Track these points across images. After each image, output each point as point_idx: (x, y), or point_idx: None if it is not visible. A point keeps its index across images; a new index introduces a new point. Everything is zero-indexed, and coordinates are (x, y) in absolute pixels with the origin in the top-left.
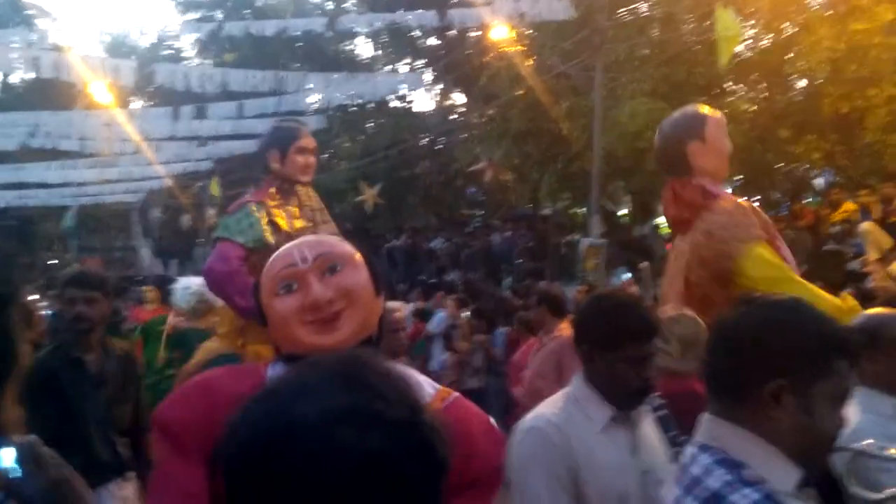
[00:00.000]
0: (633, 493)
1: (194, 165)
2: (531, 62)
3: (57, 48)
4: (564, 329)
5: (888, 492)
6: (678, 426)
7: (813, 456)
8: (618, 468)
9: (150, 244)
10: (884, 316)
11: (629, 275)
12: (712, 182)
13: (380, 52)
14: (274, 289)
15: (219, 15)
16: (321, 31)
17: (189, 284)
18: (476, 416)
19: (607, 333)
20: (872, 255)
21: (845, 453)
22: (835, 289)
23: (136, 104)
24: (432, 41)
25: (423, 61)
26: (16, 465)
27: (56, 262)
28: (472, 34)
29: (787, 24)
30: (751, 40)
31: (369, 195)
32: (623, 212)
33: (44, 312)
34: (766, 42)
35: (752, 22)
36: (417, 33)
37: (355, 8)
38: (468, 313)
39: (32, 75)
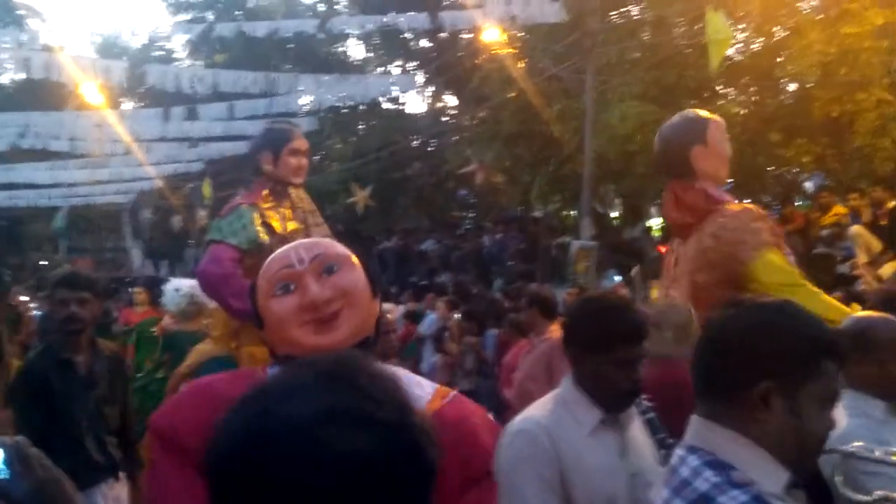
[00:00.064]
0: (622, 496)
1: (185, 166)
2: (522, 65)
3: (48, 49)
4: (555, 331)
5: (877, 494)
6: (670, 417)
7: (801, 458)
8: (606, 471)
9: (141, 245)
10: (872, 319)
11: (619, 278)
12: (713, 186)
13: (371, 53)
14: (271, 290)
15: (210, 16)
16: (312, 33)
17: (180, 286)
18: (477, 413)
19: (596, 336)
20: (862, 258)
21: (834, 456)
22: (825, 292)
23: (127, 105)
24: (424, 43)
25: (414, 63)
26: (3, 467)
27: (46, 263)
28: (464, 36)
29: (778, 27)
30: (741, 44)
31: (360, 197)
32: (614, 214)
33: (34, 313)
34: (756, 46)
35: (743, 25)
36: (409, 35)
37: (346, 10)
38: (459, 315)
39: (23, 76)
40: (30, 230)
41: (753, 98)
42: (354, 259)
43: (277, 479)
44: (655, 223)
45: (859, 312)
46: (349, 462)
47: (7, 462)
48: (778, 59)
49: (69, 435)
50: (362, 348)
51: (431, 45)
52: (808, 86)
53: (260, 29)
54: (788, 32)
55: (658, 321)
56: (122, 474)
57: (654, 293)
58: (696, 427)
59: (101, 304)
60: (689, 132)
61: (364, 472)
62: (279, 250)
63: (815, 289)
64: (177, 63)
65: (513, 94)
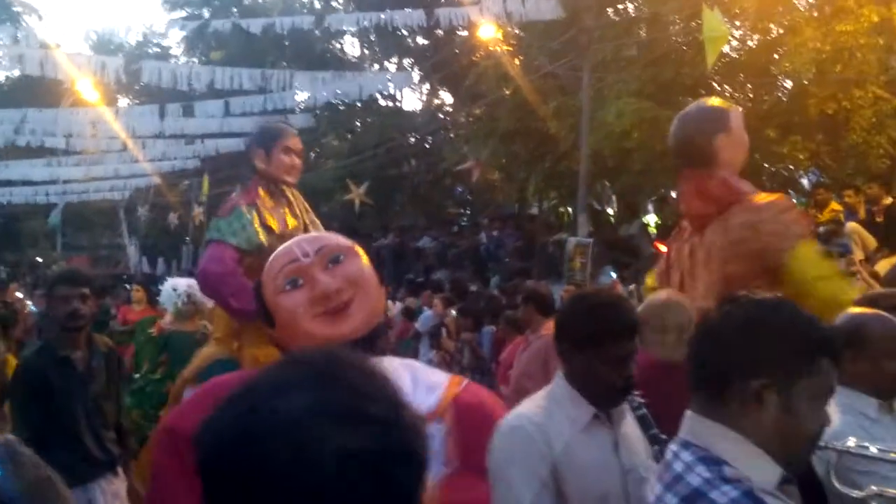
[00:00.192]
0: (615, 493)
1: (181, 163)
2: (518, 62)
3: (43, 45)
4: (551, 328)
5: (871, 490)
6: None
7: (795, 454)
8: (599, 467)
9: (137, 242)
10: (866, 315)
11: (614, 275)
12: (732, 175)
13: (367, 50)
14: (279, 286)
15: (206, 13)
16: (309, 30)
17: (177, 285)
18: (491, 397)
19: (587, 332)
20: (858, 255)
21: (828, 452)
22: None
23: (123, 102)
24: (420, 40)
25: (410, 60)
26: None
27: (41, 259)
28: (460, 33)
29: (774, 25)
30: (737, 41)
31: (357, 194)
32: (611, 211)
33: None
34: (752, 43)
35: (739, 23)
36: (405, 32)
37: (342, 6)
38: (455, 312)
39: (18, 73)
40: (26, 227)
41: (749, 95)
42: (358, 248)
43: (266, 477)
44: (652, 220)
45: (853, 309)
46: (339, 459)
47: None
48: (773, 57)
49: (68, 431)
50: (375, 335)
51: (427, 42)
52: (803, 83)
53: (256, 26)
54: (784, 30)
55: (658, 324)
56: (120, 469)
57: (649, 281)
58: (690, 422)
59: (98, 300)
60: (713, 121)
61: (356, 468)
62: (282, 247)
63: (848, 281)
64: (173, 60)
65: (509, 92)
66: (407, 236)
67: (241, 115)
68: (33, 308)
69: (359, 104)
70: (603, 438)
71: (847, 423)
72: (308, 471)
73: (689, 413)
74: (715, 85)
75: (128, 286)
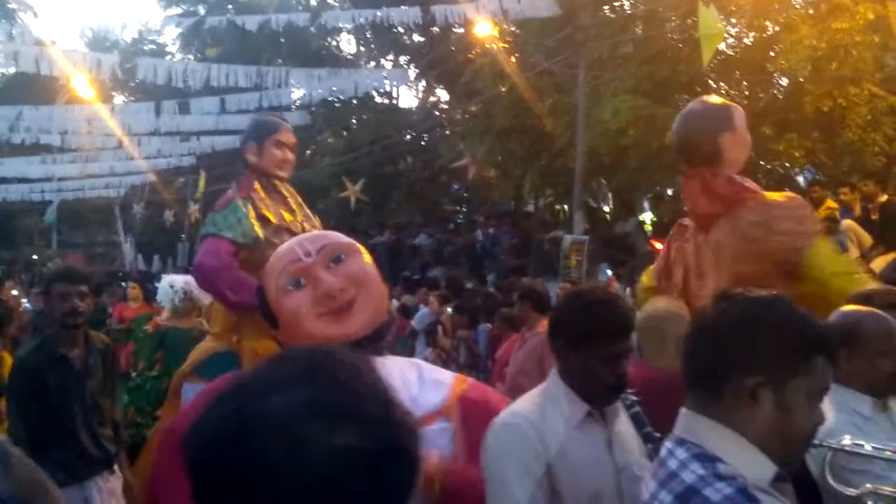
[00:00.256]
0: (608, 491)
1: (177, 161)
2: (514, 59)
3: (39, 43)
4: (547, 325)
5: (865, 487)
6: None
7: (789, 452)
8: (592, 465)
9: (133, 240)
10: (861, 313)
11: (609, 272)
12: (734, 173)
13: (363, 48)
14: (282, 287)
15: (201, 10)
16: (304, 27)
17: (174, 282)
18: (495, 394)
19: (581, 330)
20: (853, 252)
21: (823, 450)
22: None
23: (119, 99)
24: (416, 37)
25: (406, 57)
26: None
27: (37, 257)
28: (456, 31)
29: (769, 22)
30: (733, 39)
31: (352, 191)
32: (606, 208)
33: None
34: (748, 40)
35: (735, 20)
36: (401, 29)
37: (338, 4)
38: (451, 309)
39: (13, 70)
40: (21, 224)
41: (745, 92)
42: (360, 246)
43: (256, 477)
44: (648, 217)
45: (847, 307)
46: (331, 458)
47: None
48: (769, 54)
49: (65, 429)
50: (379, 334)
51: (423, 39)
52: (799, 80)
53: (251, 23)
54: (779, 28)
55: (658, 336)
56: (116, 467)
57: (645, 279)
58: (685, 419)
59: (95, 298)
60: (718, 119)
61: (347, 467)
62: (283, 246)
63: (867, 276)
64: (168, 57)
65: (505, 89)
66: (403, 234)
67: (236, 113)
68: (28, 306)
69: (355, 101)
70: (597, 436)
71: (841, 421)
72: (299, 470)
73: (684, 410)
74: (711, 82)
75: (123, 284)
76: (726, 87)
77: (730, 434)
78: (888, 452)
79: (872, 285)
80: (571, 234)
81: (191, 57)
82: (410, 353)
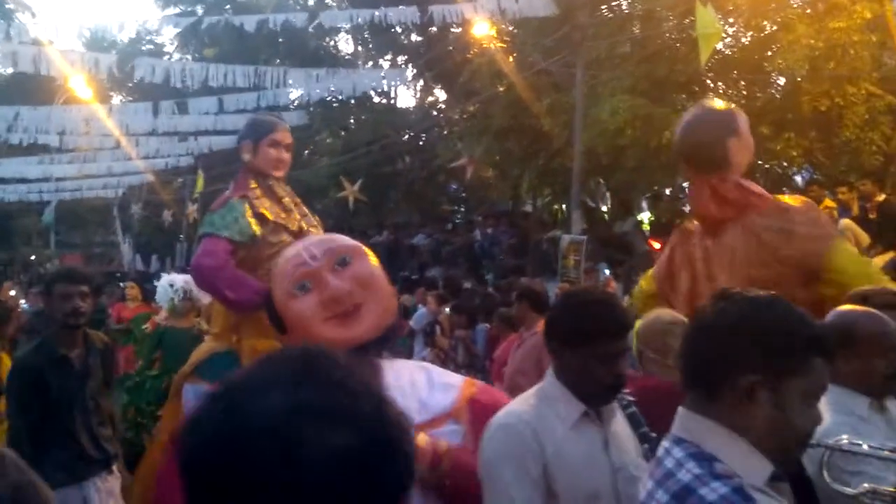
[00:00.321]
0: (605, 490)
1: (175, 161)
2: (512, 59)
3: (36, 43)
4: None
5: (863, 487)
6: None
7: (786, 451)
8: (589, 465)
9: (131, 240)
10: (857, 313)
11: (607, 272)
12: (740, 178)
13: (361, 47)
14: (289, 291)
15: (199, 10)
16: (302, 27)
17: (173, 281)
18: (505, 398)
19: (577, 330)
20: None
21: (819, 450)
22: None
23: (116, 99)
24: (414, 37)
25: (404, 57)
26: None
27: (35, 257)
28: (454, 31)
29: (767, 22)
30: (731, 38)
31: (350, 191)
32: (605, 208)
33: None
34: (745, 40)
35: (732, 20)
36: (399, 29)
37: (336, 4)
38: (448, 309)
39: (11, 70)
40: (19, 225)
41: (743, 92)
42: (365, 249)
43: (248, 478)
44: (646, 217)
45: (844, 307)
46: (323, 458)
47: None
48: (767, 54)
49: (64, 430)
50: (388, 336)
51: (421, 39)
52: (797, 80)
53: (249, 23)
54: (777, 27)
55: (660, 347)
56: (114, 468)
57: (643, 283)
58: (683, 419)
59: (95, 298)
60: (724, 125)
61: (339, 467)
62: (289, 250)
63: (888, 277)
64: (166, 57)
65: (502, 89)
66: (401, 233)
67: (234, 113)
68: (26, 306)
69: (352, 101)
70: (593, 436)
71: (838, 422)
72: (291, 470)
73: (681, 410)
74: (708, 82)
75: (121, 284)
76: (724, 87)
77: (727, 433)
78: (886, 452)
79: (894, 286)
80: (569, 233)
81: (189, 57)
82: (408, 353)
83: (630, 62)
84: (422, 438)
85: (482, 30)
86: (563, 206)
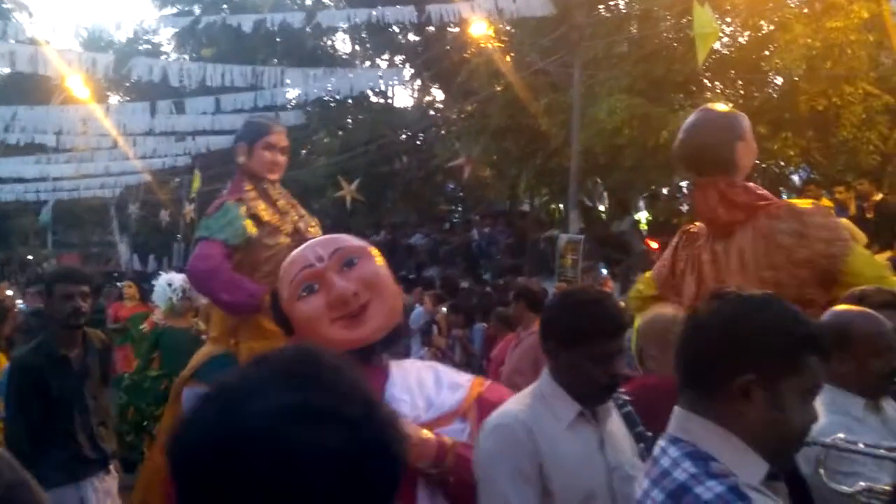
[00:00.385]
0: (600, 490)
1: (172, 161)
2: (510, 58)
3: (33, 42)
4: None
5: (859, 485)
6: None
7: (781, 450)
8: (585, 464)
9: (128, 240)
10: (853, 313)
11: (605, 271)
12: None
13: (358, 47)
14: (295, 293)
15: (196, 10)
16: (300, 26)
17: (172, 281)
18: (511, 396)
19: (572, 329)
20: None
21: (815, 449)
22: None
23: (114, 99)
24: (411, 37)
25: (401, 57)
26: None
27: (32, 257)
28: (451, 30)
29: (764, 21)
30: (728, 38)
31: (348, 191)
32: (602, 208)
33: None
34: (743, 40)
35: (729, 20)
36: (396, 29)
37: (334, 3)
38: (445, 309)
39: (8, 70)
40: (16, 224)
41: (740, 92)
42: (371, 249)
43: (240, 480)
44: (643, 217)
45: (839, 307)
46: (314, 460)
47: None
48: (764, 53)
49: (62, 430)
50: (394, 337)
51: (419, 38)
52: (794, 79)
53: (246, 22)
54: (774, 27)
55: (662, 343)
56: (112, 468)
57: (641, 286)
58: (678, 418)
59: (94, 298)
60: (731, 128)
61: (330, 469)
62: (295, 252)
63: None
64: (163, 57)
65: (500, 88)
66: (398, 233)
67: (232, 112)
68: (23, 306)
69: (350, 101)
70: (588, 436)
71: (833, 422)
72: (283, 472)
73: (677, 409)
74: (706, 81)
75: (119, 284)
76: (721, 87)
77: (722, 433)
78: (882, 451)
79: None
80: (567, 233)
81: (186, 57)
82: (405, 352)
83: (627, 62)
84: (427, 433)
85: (480, 29)
86: (561, 205)
